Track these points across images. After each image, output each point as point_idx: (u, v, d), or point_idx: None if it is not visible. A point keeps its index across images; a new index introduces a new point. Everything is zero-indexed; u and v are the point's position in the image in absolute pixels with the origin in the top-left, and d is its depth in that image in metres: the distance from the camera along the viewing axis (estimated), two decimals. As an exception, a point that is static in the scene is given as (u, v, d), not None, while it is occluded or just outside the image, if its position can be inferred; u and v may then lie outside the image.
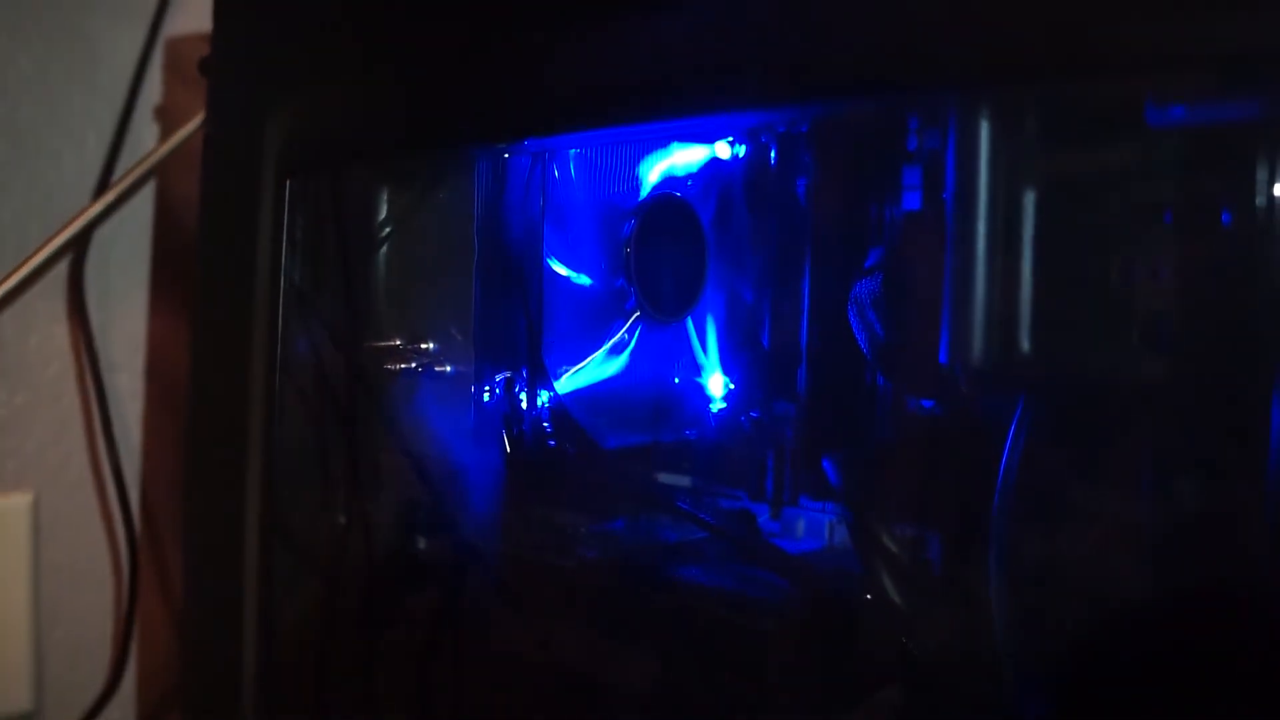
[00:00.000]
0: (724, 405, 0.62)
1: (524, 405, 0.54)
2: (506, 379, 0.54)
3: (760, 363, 0.61)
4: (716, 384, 0.62)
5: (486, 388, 0.55)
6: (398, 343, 0.55)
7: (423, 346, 0.54)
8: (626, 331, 0.56)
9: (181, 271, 0.84)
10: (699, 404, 0.62)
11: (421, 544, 0.62)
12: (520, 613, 0.57)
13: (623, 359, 0.57)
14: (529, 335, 0.52)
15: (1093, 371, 0.42)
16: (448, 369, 0.55)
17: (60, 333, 0.79)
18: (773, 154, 0.61)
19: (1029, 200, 0.42)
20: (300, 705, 0.65)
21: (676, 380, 0.61)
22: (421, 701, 0.69)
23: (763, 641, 0.49)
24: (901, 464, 0.53)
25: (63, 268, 0.79)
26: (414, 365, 0.54)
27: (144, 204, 0.83)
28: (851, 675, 0.50)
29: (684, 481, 0.66)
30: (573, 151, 0.59)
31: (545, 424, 0.53)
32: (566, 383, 0.56)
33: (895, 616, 0.52)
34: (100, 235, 0.80)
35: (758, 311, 0.61)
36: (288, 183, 0.54)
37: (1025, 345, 0.41)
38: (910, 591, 0.47)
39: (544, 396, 0.54)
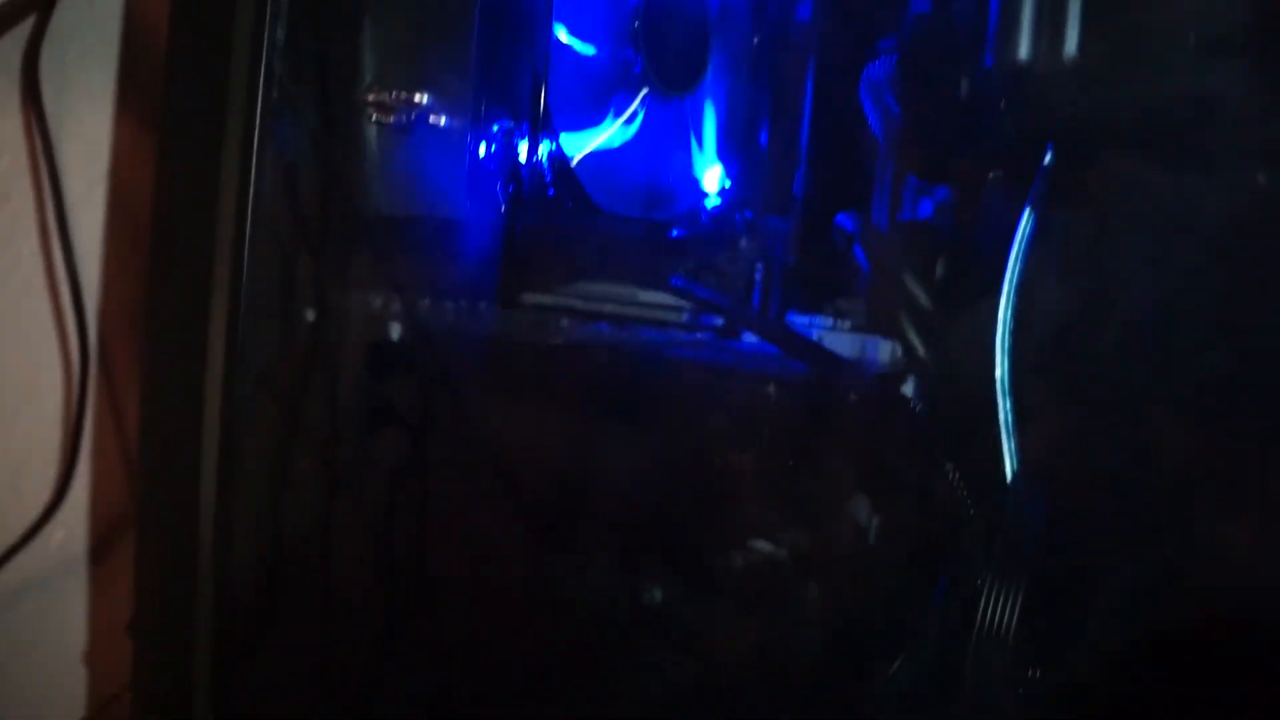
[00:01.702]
0: (718, 202, 0.60)
1: (524, 157, 0.52)
2: (506, 129, 0.52)
3: (757, 162, 0.59)
4: (712, 179, 0.60)
5: (484, 141, 0.52)
6: (387, 95, 0.52)
7: (415, 99, 0.52)
8: (629, 103, 0.54)
9: (151, 79, 0.80)
10: (693, 198, 0.60)
11: (399, 331, 0.60)
12: (511, 391, 0.55)
13: (623, 132, 0.55)
14: (533, 80, 0.49)
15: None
16: (442, 121, 0.52)
17: (11, 125, 0.74)
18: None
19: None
20: (265, 524, 0.63)
21: (674, 165, 0.59)
22: (404, 498, 0.67)
23: (765, 403, 0.47)
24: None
25: (14, 54, 0.74)
26: (405, 119, 0.52)
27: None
28: (853, 437, 0.49)
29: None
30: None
31: (545, 175, 0.51)
32: (567, 145, 0.53)
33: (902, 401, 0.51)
34: (61, 25, 0.74)
35: (757, 107, 0.59)
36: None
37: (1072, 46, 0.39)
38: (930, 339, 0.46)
39: (544, 150, 0.52)
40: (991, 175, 0.49)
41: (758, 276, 0.63)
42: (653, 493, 0.58)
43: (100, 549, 0.83)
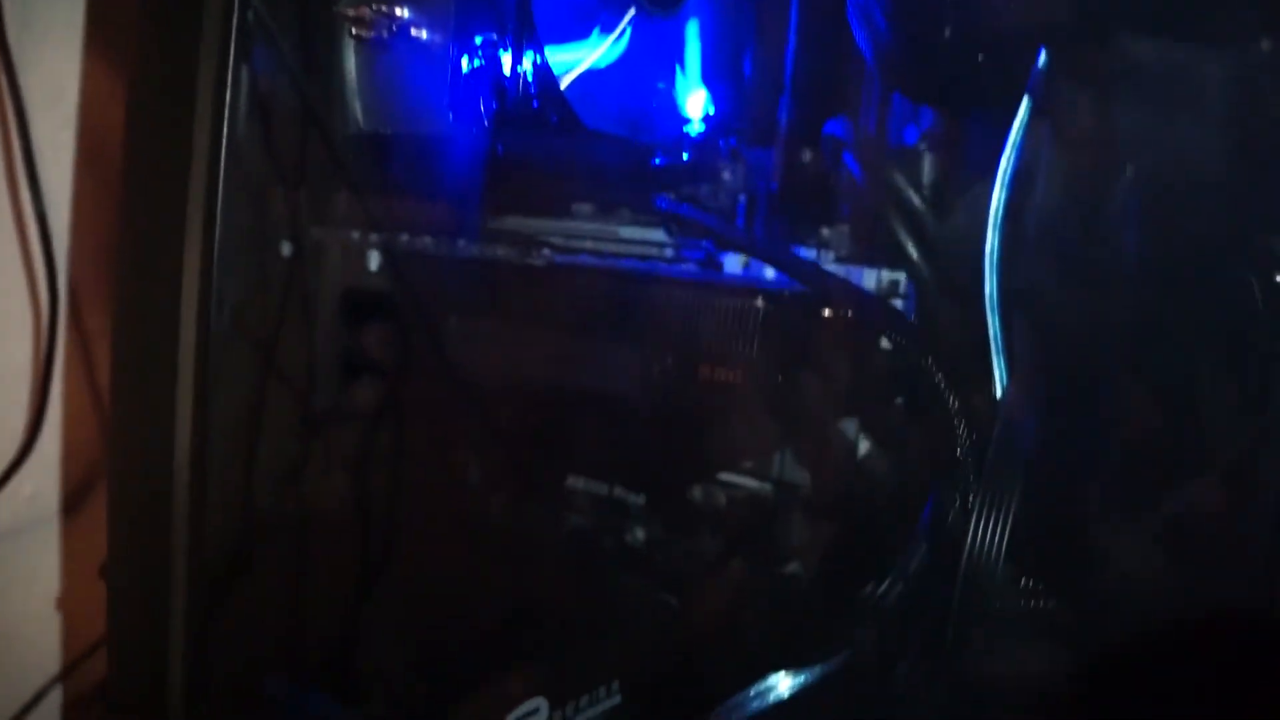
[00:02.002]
0: (702, 129, 0.59)
1: (507, 70, 0.51)
2: (490, 42, 0.50)
3: (742, 88, 0.58)
4: (696, 104, 0.59)
5: (466, 54, 0.51)
6: (366, 9, 0.50)
7: (396, 12, 0.50)
8: (616, 21, 0.53)
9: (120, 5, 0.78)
10: (677, 124, 0.59)
11: (380, 261, 0.59)
12: (493, 312, 0.54)
13: (609, 53, 0.54)
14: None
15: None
16: (424, 34, 0.51)
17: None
18: None
19: None
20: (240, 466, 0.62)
21: (659, 89, 0.58)
22: (384, 436, 0.66)
23: (756, 318, 0.47)
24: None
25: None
26: (385, 33, 0.50)
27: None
28: (843, 356, 0.49)
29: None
30: None
31: (530, 90, 0.50)
32: (553, 60, 0.52)
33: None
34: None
35: (742, 31, 0.58)
36: None
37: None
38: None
39: (529, 63, 0.51)
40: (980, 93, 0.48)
41: (740, 208, 0.62)
42: (640, 414, 0.57)
43: (72, 496, 0.82)
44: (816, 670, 0.47)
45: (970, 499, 0.42)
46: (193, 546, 0.56)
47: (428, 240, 0.58)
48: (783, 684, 0.49)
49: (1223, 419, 0.42)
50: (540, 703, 0.53)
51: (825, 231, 0.60)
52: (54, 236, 0.76)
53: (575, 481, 0.72)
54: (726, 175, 0.62)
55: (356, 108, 0.52)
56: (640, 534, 0.69)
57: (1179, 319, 0.44)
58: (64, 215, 0.78)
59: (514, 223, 0.58)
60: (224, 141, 0.52)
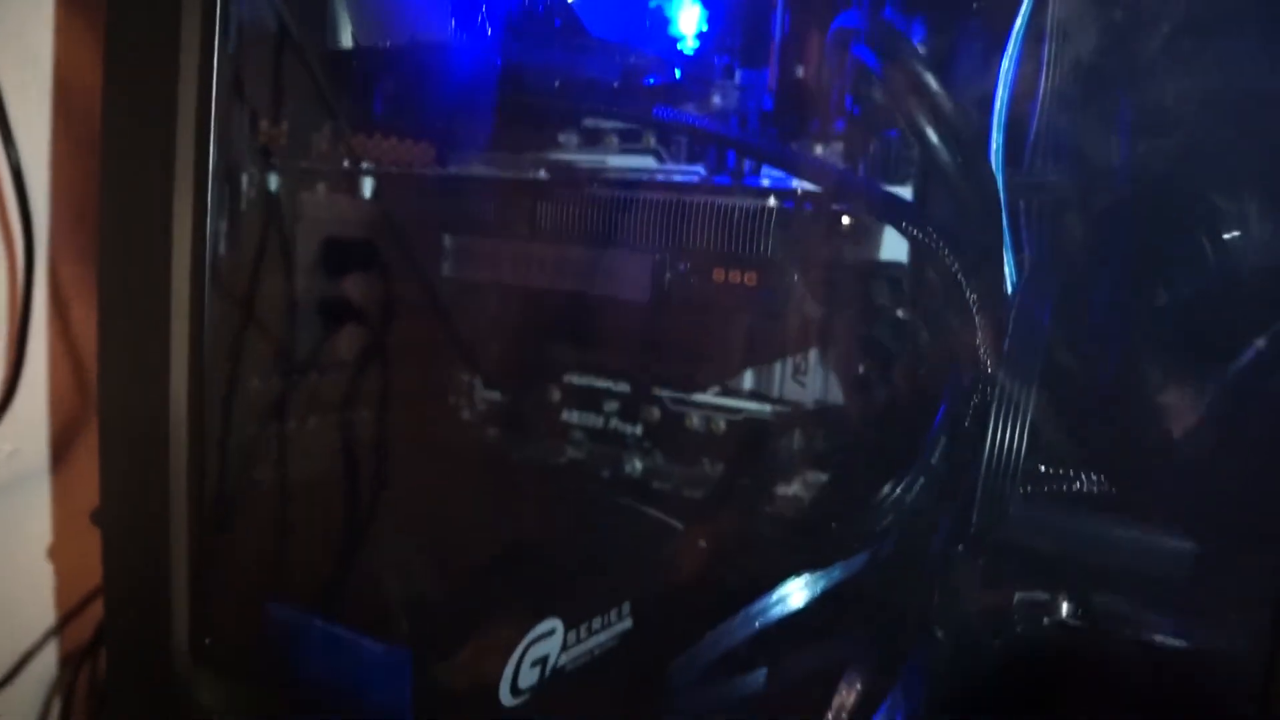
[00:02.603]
0: (696, 46, 0.59)
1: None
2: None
3: (733, 6, 0.58)
4: (689, 21, 0.58)
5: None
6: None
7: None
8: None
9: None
10: (668, 43, 0.58)
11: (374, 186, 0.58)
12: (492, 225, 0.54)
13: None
14: None
15: None
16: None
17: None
18: None
19: None
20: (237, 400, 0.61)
21: (652, 4, 0.57)
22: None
23: (769, 219, 0.47)
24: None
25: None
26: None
27: None
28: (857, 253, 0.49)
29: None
30: None
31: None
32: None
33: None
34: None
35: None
36: None
37: None
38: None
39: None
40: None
41: (734, 125, 0.62)
42: (641, 323, 0.57)
43: (58, 450, 0.81)
44: (836, 572, 0.47)
45: (989, 390, 0.42)
46: (193, 481, 0.54)
47: (427, 161, 0.57)
48: (799, 590, 0.49)
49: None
50: (556, 624, 0.52)
51: (819, 149, 0.60)
52: (28, 187, 0.73)
53: (571, 415, 0.71)
54: (717, 97, 0.61)
55: (352, 19, 0.51)
56: (639, 464, 0.69)
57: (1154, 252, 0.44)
58: (41, 169, 0.76)
59: (514, 132, 0.57)
60: (215, 67, 0.50)
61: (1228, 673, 0.33)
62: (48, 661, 0.83)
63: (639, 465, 0.69)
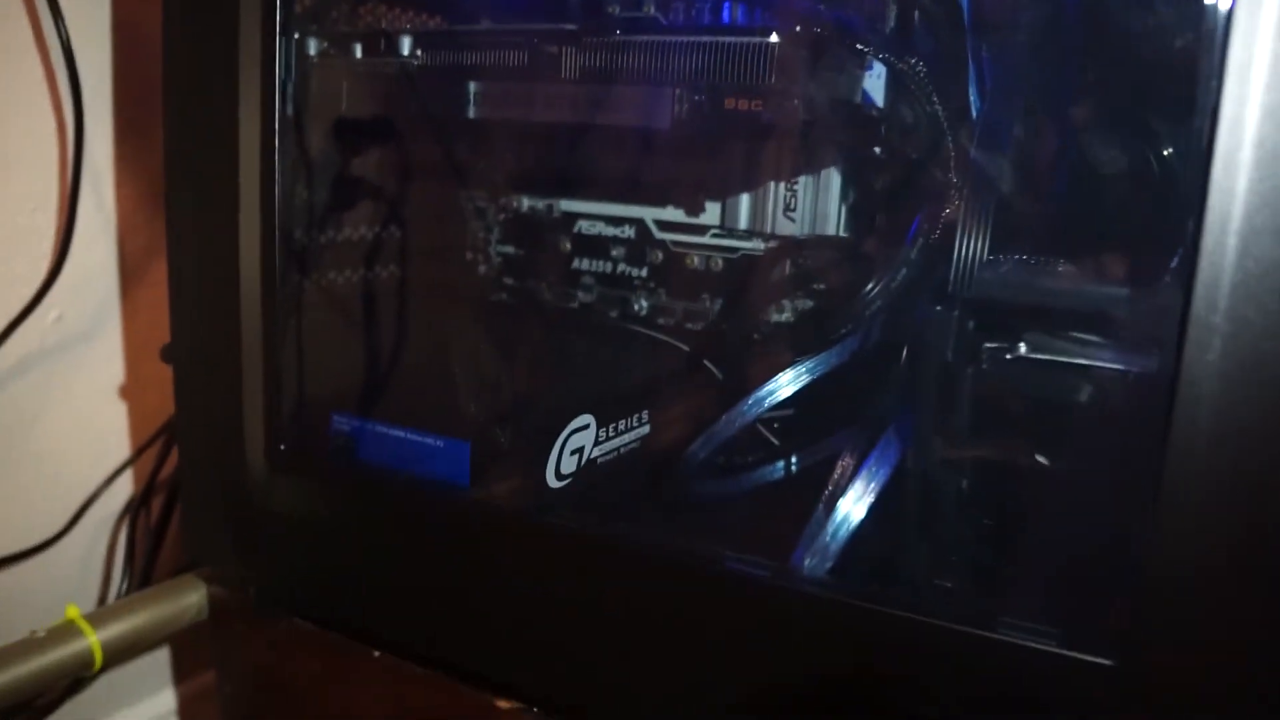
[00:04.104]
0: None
1: None
2: None
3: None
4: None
5: None
6: None
7: None
8: None
9: None
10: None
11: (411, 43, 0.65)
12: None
13: None
14: None
15: None
16: None
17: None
18: None
19: None
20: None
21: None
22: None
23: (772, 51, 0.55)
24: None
25: None
26: None
27: None
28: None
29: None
30: None
31: None
32: None
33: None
34: None
35: None
36: None
37: None
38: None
39: None
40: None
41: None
42: (673, 144, 0.64)
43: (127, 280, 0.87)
44: (819, 361, 0.56)
45: (957, 191, 0.51)
46: (266, 312, 0.62)
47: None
48: (799, 377, 0.58)
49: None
50: (590, 419, 0.61)
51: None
52: (79, 63, 0.79)
53: (581, 263, 0.80)
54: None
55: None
56: (644, 303, 0.78)
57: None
58: (99, 55, 0.82)
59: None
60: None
61: (1149, 385, 0.42)
62: (123, 488, 0.91)
63: (645, 304, 0.77)
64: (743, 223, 0.72)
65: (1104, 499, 0.46)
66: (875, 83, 0.61)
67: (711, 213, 0.74)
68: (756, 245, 0.72)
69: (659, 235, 0.76)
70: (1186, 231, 0.39)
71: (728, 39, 0.55)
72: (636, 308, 0.77)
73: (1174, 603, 0.41)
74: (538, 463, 0.59)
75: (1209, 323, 0.38)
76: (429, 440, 0.60)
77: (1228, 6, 0.37)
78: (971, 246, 0.49)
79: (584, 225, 0.79)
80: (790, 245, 0.70)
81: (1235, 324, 0.38)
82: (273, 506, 0.65)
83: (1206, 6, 0.38)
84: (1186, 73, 0.39)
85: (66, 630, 0.67)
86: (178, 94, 0.65)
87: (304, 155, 0.68)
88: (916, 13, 0.54)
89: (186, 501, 0.73)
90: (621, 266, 0.78)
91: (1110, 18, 0.49)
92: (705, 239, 0.74)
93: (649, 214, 0.76)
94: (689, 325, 0.75)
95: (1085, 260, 0.49)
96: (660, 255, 0.76)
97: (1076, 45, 0.51)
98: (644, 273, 0.77)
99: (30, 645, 0.66)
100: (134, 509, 0.88)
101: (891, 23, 0.58)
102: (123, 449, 0.91)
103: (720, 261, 0.74)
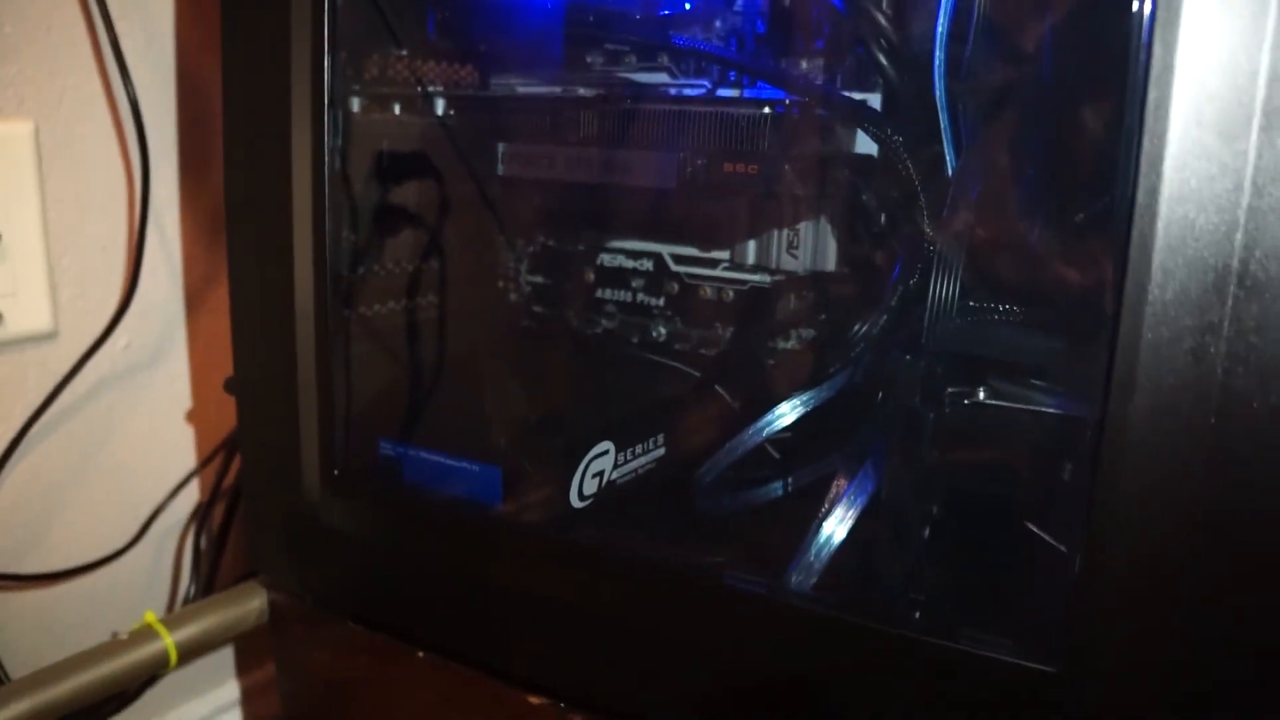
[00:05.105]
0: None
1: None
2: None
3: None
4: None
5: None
6: None
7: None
8: None
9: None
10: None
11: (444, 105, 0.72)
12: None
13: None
14: None
15: None
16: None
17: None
18: None
19: None
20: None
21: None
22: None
23: (766, 122, 0.62)
24: None
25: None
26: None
27: None
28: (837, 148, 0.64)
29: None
30: None
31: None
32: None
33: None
34: None
35: None
36: None
37: None
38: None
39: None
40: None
41: (732, 46, 0.77)
42: (677, 203, 0.72)
43: (188, 310, 0.96)
44: (813, 395, 0.63)
45: (934, 248, 0.58)
46: (320, 350, 0.70)
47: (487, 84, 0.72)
48: (795, 408, 0.65)
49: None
50: (609, 445, 0.69)
51: (804, 64, 0.75)
52: (144, 115, 0.87)
53: (604, 292, 0.87)
54: (718, 21, 0.76)
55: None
56: (662, 330, 0.85)
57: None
58: (156, 105, 0.90)
59: (547, 71, 0.72)
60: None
61: (1084, 428, 0.50)
62: (189, 497, 1.00)
63: (662, 331, 0.84)
64: (750, 258, 0.79)
65: (1049, 525, 0.53)
66: (865, 142, 0.68)
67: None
68: (763, 279, 0.79)
69: (675, 268, 0.83)
70: (1111, 296, 0.45)
71: (728, 110, 0.62)
72: (655, 334, 0.84)
73: (1107, 615, 0.48)
74: (562, 484, 0.67)
75: (1128, 379, 0.45)
76: (465, 465, 0.68)
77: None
78: (942, 296, 0.56)
79: (606, 258, 0.85)
80: (794, 279, 0.77)
81: (1150, 380, 0.44)
82: (328, 523, 0.73)
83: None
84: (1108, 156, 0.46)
85: (145, 633, 0.76)
86: (237, 151, 0.72)
87: (349, 199, 0.76)
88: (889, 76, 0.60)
89: (249, 518, 0.81)
90: (641, 296, 0.84)
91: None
92: (717, 272, 0.81)
93: (665, 249, 0.83)
94: (703, 350, 0.82)
95: (1039, 314, 0.56)
96: (676, 286, 0.83)
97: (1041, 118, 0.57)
98: (661, 302, 0.84)
99: (114, 646, 0.74)
100: (199, 518, 0.97)
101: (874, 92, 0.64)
102: (185, 463, 0.99)
103: (731, 293, 0.81)
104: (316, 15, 0.64)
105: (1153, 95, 0.43)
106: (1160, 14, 0.43)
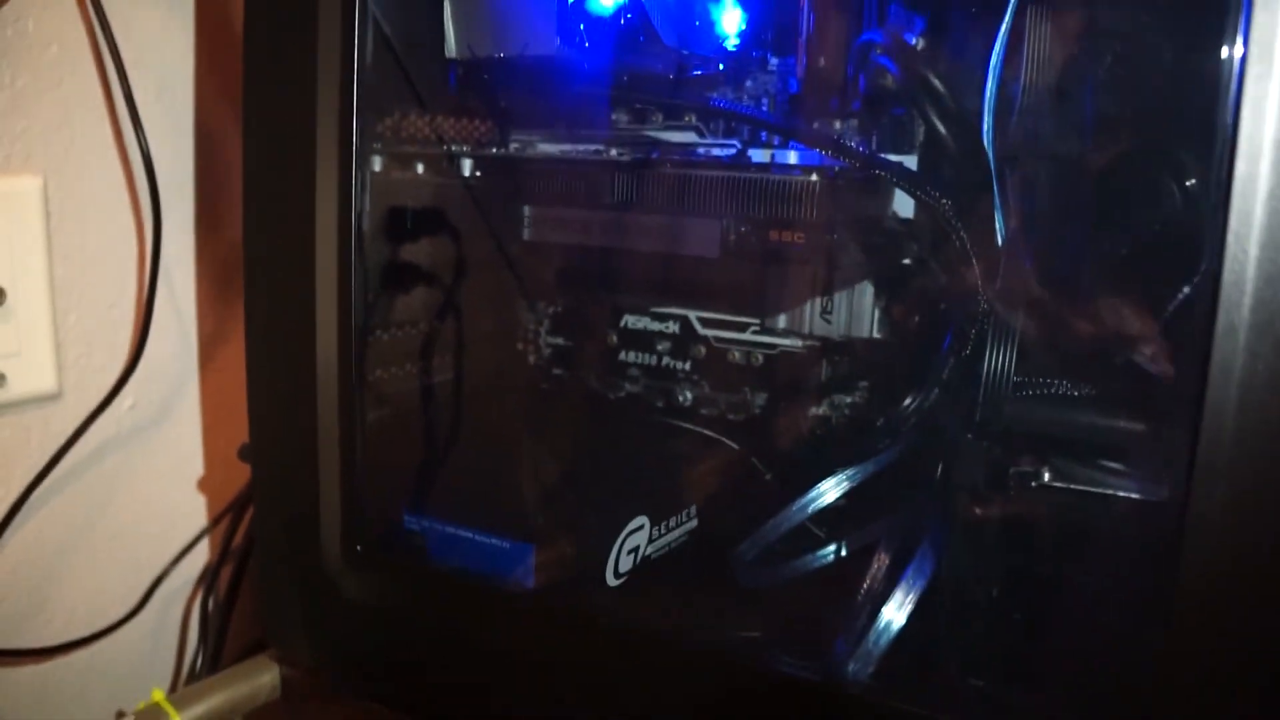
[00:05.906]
0: (738, 43, 0.72)
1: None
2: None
3: (767, 8, 0.70)
4: (732, 22, 0.71)
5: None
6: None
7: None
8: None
9: None
10: (713, 41, 0.71)
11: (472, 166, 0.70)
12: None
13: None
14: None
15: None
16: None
17: (57, 14, 0.81)
18: None
19: None
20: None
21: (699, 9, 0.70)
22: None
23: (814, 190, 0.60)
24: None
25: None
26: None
27: None
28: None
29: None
30: None
31: (626, 11, 0.61)
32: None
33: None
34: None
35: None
36: None
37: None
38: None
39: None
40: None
41: (764, 108, 0.75)
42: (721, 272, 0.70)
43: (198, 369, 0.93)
44: (859, 470, 0.61)
45: (987, 319, 0.56)
46: (344, 421, 0.67)
47: (516, 145, 0.70)
48: (840, 484, 0.63)
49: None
50: (644, 520, 0.66)
51: (838, 124, 0.73)
52: (157, 170, 0.85)
53: (628, 355, 0.85)
54: (749, 81, 0.74)
55: (469, 31, 0.63)
56: (689, 394, 0.83)
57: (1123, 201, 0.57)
58: (169, 159, 0.87)
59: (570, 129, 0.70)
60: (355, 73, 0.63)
61: (1163, 514, 0.47)
62: (197, 559, 0.97)
63: (689, 395, 0.82)
64: (781, 322, 0.77)
65: (1122, 612, 0.50)
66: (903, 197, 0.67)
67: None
68: (795, 343, 0.76)
69: (702, 331, 0.80)
70: (1193, 381, 0.43)
71: (773, 177, 0.60)
72: (681, 399, 0.82)
73: (1185, 707, 0.45)
74: (595, 559, 0.64)
75: (1212, 464, 0.43)
76: (495, 541, 0.65)
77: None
78: (998, 370, 0.54)
79: (630, 320, 0.83)
80: (828, 345, 0.75)
81: (1237, 466, 0.42)
82: (347, 597, 0.69)
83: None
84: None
85: (153, 713, 0.73)
86: (257, 209, 0.70)
87: (365, 260, 0.73)
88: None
89: (263, 589, 0.78)
90: (666, 360, 0.82)
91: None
92: (746, 335, 0.79)
93: (692, 311, 0.81)
94: (730, 416, 0.80)
95: (1108, 391, 0.54)
96: (703, 350, 0.80)
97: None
98: (687, 366, 0.81)
99: (121, 728, 0.71)
100: (205, 582, 0.93)
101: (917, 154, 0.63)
102: (191, 528, 0.96)
103: (760, 357, 0.78)
104: (345, 70, 0.61)
105: (1240, 169, 0.41)
106: (1249, 86, 0.41)
